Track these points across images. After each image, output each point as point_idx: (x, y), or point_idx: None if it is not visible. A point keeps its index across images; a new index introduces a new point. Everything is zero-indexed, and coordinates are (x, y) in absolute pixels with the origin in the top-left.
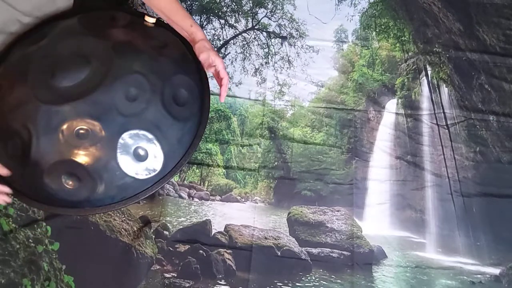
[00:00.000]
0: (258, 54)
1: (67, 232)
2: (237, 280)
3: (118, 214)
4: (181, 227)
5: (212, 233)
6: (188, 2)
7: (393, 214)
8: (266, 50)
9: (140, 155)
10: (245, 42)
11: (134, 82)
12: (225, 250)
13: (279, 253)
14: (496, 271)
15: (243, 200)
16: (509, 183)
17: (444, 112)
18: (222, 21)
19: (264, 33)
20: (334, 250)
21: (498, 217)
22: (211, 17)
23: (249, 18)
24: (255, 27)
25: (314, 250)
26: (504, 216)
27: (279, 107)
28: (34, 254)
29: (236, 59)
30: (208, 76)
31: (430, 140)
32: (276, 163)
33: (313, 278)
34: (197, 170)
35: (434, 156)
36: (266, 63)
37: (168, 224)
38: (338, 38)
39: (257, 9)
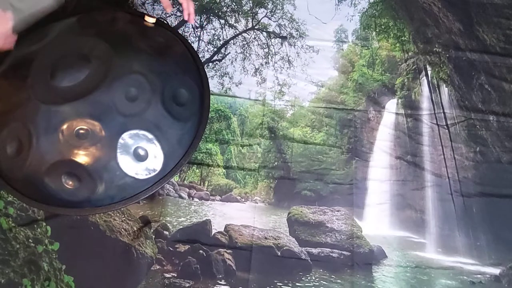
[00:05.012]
0: (258, 54)
1: (67, 232)
2: (237, 280)
3: (118, 214)
4: (181, 227)
5: (212, 233)
6: None
7: (393, 214)
8: (266, 50)
9: (140, 155)
10: (245, 42)
11: (134, 82)
12: (225, 250)
13: (279, 253)
14: (496, 271)
15: (243, 200)
16: (509, 183)
17: (444, 112)
18: (222, 21)
19: (264, 33)
20: (334, 250)
21: (498, 217)
22: (211, 17)
23: (249, 18)
24: (255, 27)
25: (314, 250)
26: (504, 216)
27: (279, 107)
28: (34, 254)
29: (236, 59)
30: (208, 76)
31: (430, 140)
32: (276, 163)
33: (313, 278)
34: (197, 170)
35: (434, 156)
36: (266, 63)
37: (168, 224)
38: (338, 38)
39: (257, 9)
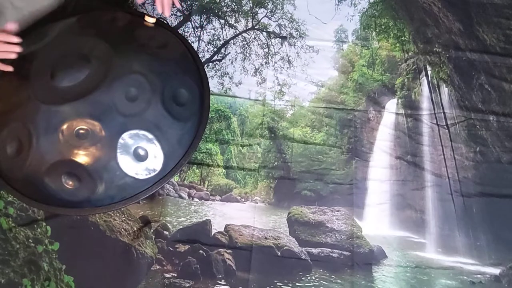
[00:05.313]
0: (258, 54)
1: (67, 232)
2: (237, 280)
3: (118, 214)
4: (181, 227)
5: (212, 233)
6: (188, 2)
7: (393, 214)
8: (266, 50)
9: (140, 155)
10: (245, 42)
11: (134, 82)
12: (225, 250)
13: (279, 253)
14: (496, 271)
15: (243, 200)
16: (509, 183)
17: (444, 112)
18: (222, 21)
19: (264, 33)
20: (334, 250)
21: (498, 217)
22: (211, 17)
23: (249, 18)
24: (255, 27)
25: (314, 250)
26: (504, 216)
27: (279, 107)
28: (34, 254)
29: (236, 59)
30: (208, 76)
31: (430, 140)
32: (276, 163)
33: (313, 278)
34: (197, 170)
35: (434, 156)
36: (266, 63)
37: (168, 224)
38: (338, 38)
39: (257, 9)
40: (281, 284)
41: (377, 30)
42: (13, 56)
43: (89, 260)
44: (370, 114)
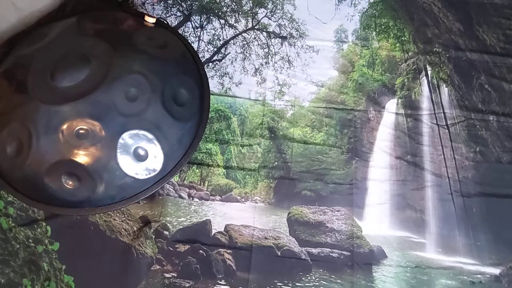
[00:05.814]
0: (258, 54)
1: (67, 232)
2: (237, 280)
3: (118, 214)
4: (181, 227)
5: (212, 233)
6: (188, 2)
7: (393, 214)
8: (266, 50)
9: (140, 155)
10: (245, 42)
11: (134, 82)
12: (225, 250)
13: (279, 253)
14: (496, 271)
15: (243, 200)
16: (509, 183)
17: (444, 112)
18: (222, 21)
19: (264, 33)
20: (334, 250)
21: (498, 217)
22: (211, 17)
23: (249, 18)
24: (255, 27)
25: (314, 250)
26: (504, 216)
27: (279, 107)
28: (34, 254)
29: (236, 59)
30: (208, 76)
31: (430, 140)
32: (276, 163)
33: (313, 278)
34: (197, 170)
35: (434, 156)
36: (266, 63)
37: (168, 224)
38: (338, 38)
39: (257, 9)
40: (281, 284)
41: (377, 30)
42: None
43: (89, 260)
44: (370, 114)
